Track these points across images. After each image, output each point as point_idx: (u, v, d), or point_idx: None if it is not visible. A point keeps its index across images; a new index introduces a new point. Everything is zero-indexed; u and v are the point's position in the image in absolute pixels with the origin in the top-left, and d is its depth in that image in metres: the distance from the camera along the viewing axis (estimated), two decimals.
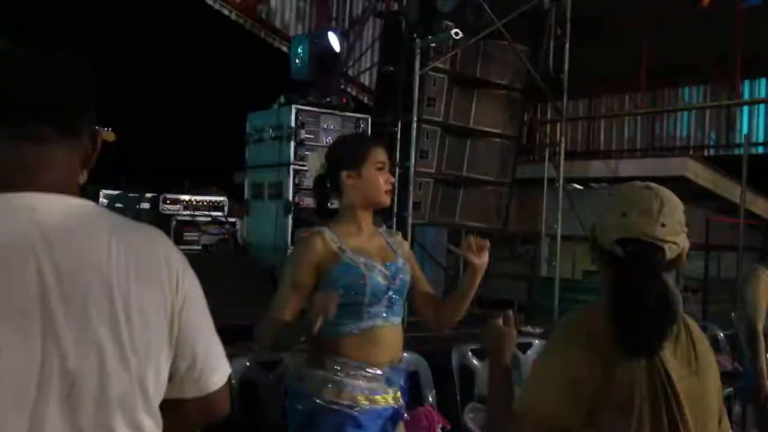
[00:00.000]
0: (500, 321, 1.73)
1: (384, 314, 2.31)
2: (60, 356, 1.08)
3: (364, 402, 2.23)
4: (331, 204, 2.48)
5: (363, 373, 2.26)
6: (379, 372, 2.28)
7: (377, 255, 2.36)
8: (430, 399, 3.64)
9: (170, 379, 1.22)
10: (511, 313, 1.73)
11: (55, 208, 1.13)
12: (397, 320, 2.37)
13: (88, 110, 1.21)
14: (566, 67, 7.24)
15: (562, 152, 7.41)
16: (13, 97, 1.14)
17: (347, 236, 2.33)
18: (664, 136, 11.02)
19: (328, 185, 2.44)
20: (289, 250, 4.85)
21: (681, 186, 8.73)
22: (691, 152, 10.39)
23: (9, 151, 1.14)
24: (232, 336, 3.88)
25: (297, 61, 5.34)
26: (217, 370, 1.28)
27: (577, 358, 1.44)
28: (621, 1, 7.91)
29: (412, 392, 3.65)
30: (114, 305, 1.12)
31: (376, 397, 2.27)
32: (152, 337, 1.17)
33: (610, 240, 1.52)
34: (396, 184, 6.33)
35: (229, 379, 1.32)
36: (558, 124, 7.74)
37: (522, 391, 1.52)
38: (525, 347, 3.91)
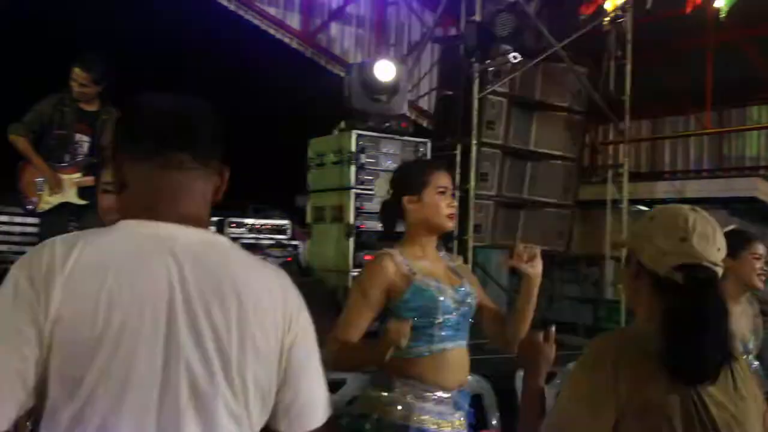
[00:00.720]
0: (540, 337, 1.75)
1: (453, 337, 2.32)
2: (184, 367, 1.20)
3: (432, 426, 2.24)
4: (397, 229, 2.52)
5: (432, 396, 2.26)
6: (447, 395, 2.28)
7: (445, 278, 2.37)
8: (494, 422, 3.61)
9: (273, 411, 1.32)
10: (553, 329, 1.76)
11: (193, 239, 1.28)
12: (464, 343, 2.38)
13: (217, 144, 1.37)
14: (628, 87, 7.14)
15: (626, 174, 7.29)
16: (163, 130, 1.30)
17: (414, 259, 2.35)
18: (732, 156, 10.71)
19: (393, 210, 2.47)
20: (351, 273, 4.90)
21: (751, 207, 8.46)
22: (761, 172, 10.08)
23: (155, 178, 1.29)
24: None
25: (351, 89, 5.42)
26: (314, 411, 1.37)
27: (605, 382, 1.41)
28: (683, 19, 7.78)
29: (476, 415, 3.63)
30: (230, 332, 1.24)
31: (443, 421, 2.26)
32: (261, 368, 1.28)
33: (668, 265, 1.48)
34: (456, 207, 6.37)
35: (329, 423, 1.39)
36: (621, 146, 7.62)
37: (550, 414, 1.50)
38: None
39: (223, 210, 6.26)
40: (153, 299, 1.20)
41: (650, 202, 9.56)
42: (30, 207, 4.80)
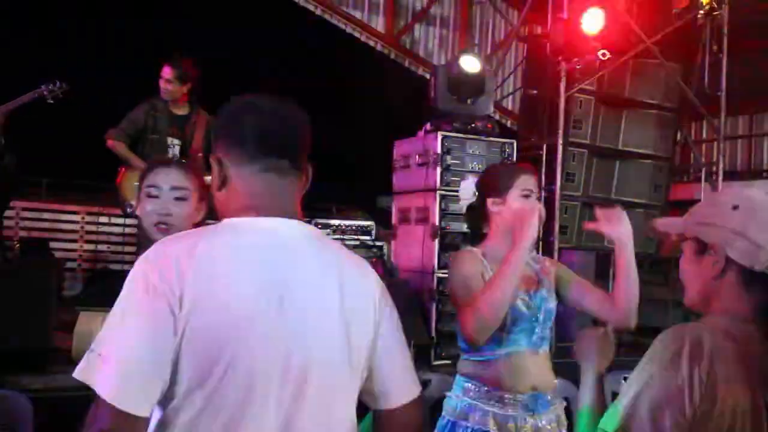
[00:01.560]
0: (596, 332, 1.75)
1: (524, 342, 2.32)
2: (299, 350, 1.32)
3: (493, 427, 2.24)
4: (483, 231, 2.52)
5: (497, 398, 2.27)
6: (516, 398, 2.27)
7: (522, 282, 2.35)
8: None
9: (367, 390, 1.47)
10: (610, 327, 1.75)
11: (295, 230, 1.41)
12: (541, 349, 2.37)
13: (308, 150, 1.48)
14: (723, 83, 6.88)
15: (720, 172, 7.03)
16: (265, 136, 1.41)
17: (493, 262, 2.35)
18: None
19: (478, 212, 2.48)
20: (436, 274, 4.92)
21: None
22: None
23: (261, 180, 1.41)
24: None
25: (436, 90, 5.43)
26: (401, 389, 1.50)
27: (679, 378, 1.34)
28: None
29: (567, 419, 3.58)
30: (338, 317, 1.39)
31: (509, 424, 2.25)
32: (363, 351, 1.43)
33: (765, 260, 1.42)
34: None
35: (419, 399, 1.51)
36: (715, 143, 7.34)
37: (627, 410, 1.39)
38: None
39: (307, 210, 6.39)
40: (269, 290, 1.30)
41: None
42: (129, 209, 5.04)
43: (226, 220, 1.40)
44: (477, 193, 2.49)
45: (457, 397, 2.30)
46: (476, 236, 2.52)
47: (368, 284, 1.47)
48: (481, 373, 2.30)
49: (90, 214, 7.07)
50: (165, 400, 1.25)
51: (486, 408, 2.26)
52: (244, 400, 1.26)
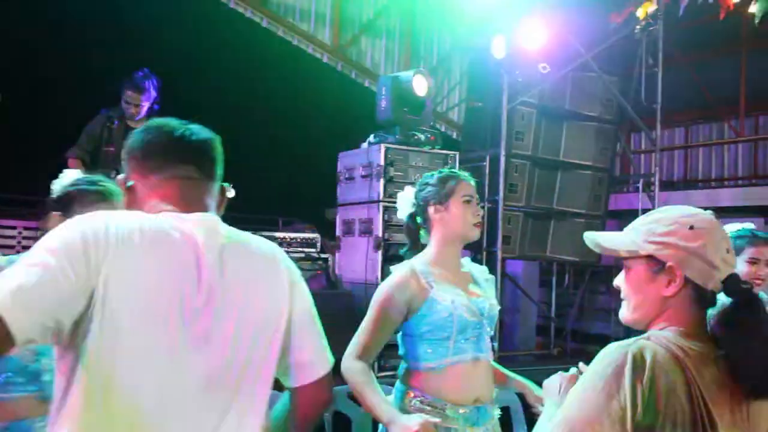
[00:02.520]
0: (566, 377, 1.66)
1: (470, 350, 2.33)
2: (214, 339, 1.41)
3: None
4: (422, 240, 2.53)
5: (438, 410, 2.28)
6: (459, 410, 2.29)
7: (465, 289, 2.38)
8: None
9: (281, 368, 1.59)
10: (583, 366, 1.61)
11: (204, 225, 1.48)
12: (484, 356, 2.37)
13: (217, 164, 1.59)
14: (659, 96, 7.09)
15: (657, 182, 7.23)
16: (170, 147, 1.52)
17: (436, 270, 2.36)
18: None
19: (419, 221, 2.49)
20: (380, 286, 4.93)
21: None
22: None
23: (169, 185, 1.51)
24: None
25: (382, 102, 5.47)
26: (312, 367, 1.62)
27: (621, 392, 1.35)
28: (716, 26, 7.70)
29: (504, 428, 3.63)
30: (248, 302, 1.50)
31: None
32: (277, 331, 1.56)
33: (719, 280, 1.45)
34: (485, 219, 6.40)
35: (329, 376, 1.63)
36: (652, 154, 7.56)
37: (563, 421, 1.39)
38: None
39: (254, 223, 6.34)
40: (178, 275, 1.38)
41: None
42: None
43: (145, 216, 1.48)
44: (417, 203, 2.49)
45: (398, 408, 2.29)
46: (414, 244, 2.53)
47: (279, 268, 1.56)
48: (424, 383, 2.30)
49: (27, 229, 6.88)
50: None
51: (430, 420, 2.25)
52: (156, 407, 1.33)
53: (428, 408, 2.27)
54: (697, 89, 9.77)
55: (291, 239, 5.71)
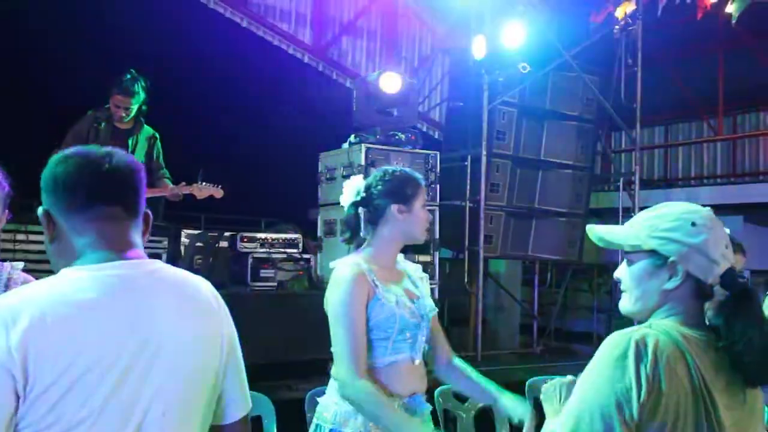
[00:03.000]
0: (564, 382, 1.70)
1: (406, 350, 2.33)
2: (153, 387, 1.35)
3: (374, 430, 2.24)
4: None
5: None
6: (397, 402, 2.28)
7: (405, 290, 2.37)
8: None
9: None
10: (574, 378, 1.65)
11: (136, 269, 1.41)
12: (418, 356, 2.37)
13: (141, 197, 1.49)
14: (639, 95, 7.15)
15: (637, 181, 7.29)
16: (94, 185, 1.42)
17: (379, 269, 2.33)
18: (747, 162, 10.65)
19: (361, 212, 2.43)
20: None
21: (767, 213, 8.40)
22: None
23: (94, 227, 1.41)
24: (306, 369, 3.97)
25: (357, 103, 5.46)
26: (237, 406, 1.57)
27: (626, 378, 1.40)
28: (694, 26, 7.77)
29: (486, 427, 3.63)
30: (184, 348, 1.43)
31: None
32: (215, 376, 1.52)
33: (718, 275, 1.50)
34: (467, 218, 6.41)
35: (247, 415, 1.59)
36: (633, 153, 7.62)
37: (571, 415, 1.44)
38: None
39: (236, 224, 6.31)
40: (116, 333, 1.31)
41: None
42: None
43: (63, 271, 1.38)
44: (368, 195, 2.46)
45: (336, 404, 2.28)
46: (353, 236, 2.46)
47: (213, 307, 1.51)
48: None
49: (6, 231, 6.79)
50: None
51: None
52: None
53: None
54: (677, 89, 9.85)
55: (273, 240, 5.68)
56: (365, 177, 4.79)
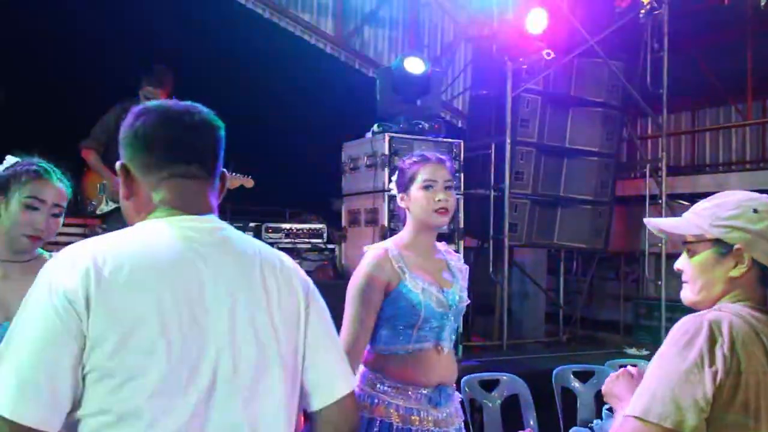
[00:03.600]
0: (625, 373, 1.68)
1: (432, 339, 2.32)
2: (218, 354, 1.29)
3: (396, 419, 2.25)
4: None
5: (401, 391, 2.28)
6: (422, 391, 2.29)
7: (436, 279, 2.36)
8: (531, 423, 3.59)
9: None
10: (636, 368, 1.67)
11: (207, 231, 1.38)
12: (447, 345, 2.36)
13: (218, 155, 1.46)
14: (665, 80, 7.05)
15: (664, 168, 7.19)
16: (171, 142, 1.39)
17: (408, 254, 2.34)
18: None
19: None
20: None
21: None
22: None
23: (169, 186, 1.38)
24: None
25: (381, 92, 5.45)
26: (331, 387, 1.48)
27: (702, 361, 1.40)
28: (721, 9, 7.64)
29: (513, 416, 3.63)
30: (265, 309, 1.39)
31: (412, 417, 2.27)
32: (290, 342, 1.44)
33: None
34: (492, 207, 6.38)
35: (350, 396, 1.48)
36: (659, 140, 7.51)
37: (643, 397, 1.43)
38: None
39: (260, 215, 6.35)
40: (183, 295, 1.27)
41: (690, 197, 9.42)
42: (90, 209, 5.05)
43: (141, 224, 1.36)
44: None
45: (360, 389, 2.28)
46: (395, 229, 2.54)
47: (292, 280, 1.43)
48: (386, 366, 2.29)
49: None
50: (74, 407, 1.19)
51: (389, 400, 2.27)
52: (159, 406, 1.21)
53: (390, 390, 2.28)
54: (704, 73, 9.69)
55: (298, 230, 5.72)
56: (389, 166, 4.82)
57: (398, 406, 2.26)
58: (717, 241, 1.55)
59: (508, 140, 6.27)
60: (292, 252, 5.46)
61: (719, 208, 1.56)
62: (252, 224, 5.67)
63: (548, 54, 6.35)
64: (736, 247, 1.52)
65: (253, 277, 1.37)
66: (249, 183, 5.06)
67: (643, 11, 6.99)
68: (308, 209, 6.81)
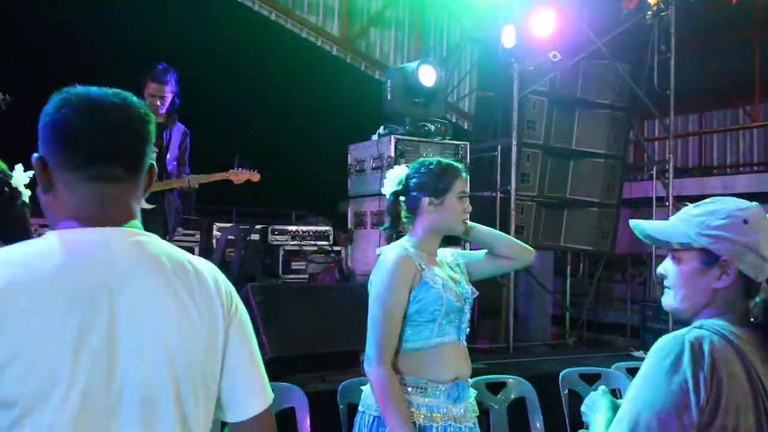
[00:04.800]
0: (599, 394, 1.64)
1: (452, 333, 2.37)
2: (130, 371, 1.20)
3: (419, 418, 2.28)
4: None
5: (422, 389, 2.31)
6: (440, 387, 2.32)
7: (448, 275, 2.42)
8: (538, 425, 3.58)
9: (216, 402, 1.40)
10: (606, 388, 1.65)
11: (123, 242, 1.26)
12: (462, 339, 2.42)
13: (145, 153, 1.31)
14: (672, 82, 7.02)
15: (671, 169, 7.16)
16: (95, 141, 1.25)
17: (423, 256, 2.38)
18: None
19: (402, 201, 2.48)
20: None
21: None
22: None
23: (89, 189, 1.25)
24: (338, 361, 3.99)
25: (388, 94, 5.45)
26: (248, 402, 1.41)
27: (683, 382, 1.36)
28: (728, 10, 7.61)
29: (519, 419, 3.61)
30: (175, 329, 1.28)
31: (434, 414, 2.30)
32: (206, 362, 1.35)
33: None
34: (498, 209, 6.37)
35: (267, 412, 1.41)
36: (666, 141, 7.49)
37: (627, 422, 1.40)
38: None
39: (267, 217, 6.35)
40: (92, 310, 1.17)
41: (699, 198, 9.37)
42: None
43: (49, 234, 1.24)
44: (407, 186, 2.49)
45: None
46: (395, 224, 2.51)
47: (210, 290, 1.32)
48: (408, 364, 2.32)
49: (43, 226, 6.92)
50: None
51: (409, 399, 2.29)
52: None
53: (410, 388, 2.31)
54: (711, 75, 9.67)
55: (304, 232, 5.72)
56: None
57: (420, 404, 2.29)
58: (704, 251, 1.50)
59: (515, 142, 6.25)
60: (299, 254, 5.46)
61: (709, 217, 1.50)
62: (258, 226, 5.67)
63: (555, 56, 6.33)
64: (723, 258, 1.47)
65: (166, 294, 1.26)
66: (255, 177, 5.01)
67: (649, 13, 6.97)
68: (314, 211, 6.81)
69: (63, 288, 1.16)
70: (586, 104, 6.97)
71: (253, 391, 1.39)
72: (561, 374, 3.93)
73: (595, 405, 1.65)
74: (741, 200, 1.53)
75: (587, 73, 6.94)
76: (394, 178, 2.49)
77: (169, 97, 4.97)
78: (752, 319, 1.48)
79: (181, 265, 1.30)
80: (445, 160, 2.53)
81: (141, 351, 1.20)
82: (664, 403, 1.36)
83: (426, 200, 2.41)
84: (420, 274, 2.32)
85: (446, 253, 2.56)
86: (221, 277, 1.37)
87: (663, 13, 6.97)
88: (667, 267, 1.57)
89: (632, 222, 1.63)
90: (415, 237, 2.43)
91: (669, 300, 1.57)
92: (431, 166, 2.46)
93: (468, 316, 2.43)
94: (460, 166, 2.50)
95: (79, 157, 1.24)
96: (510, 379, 3.75)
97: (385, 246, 2.45)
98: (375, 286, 2.34)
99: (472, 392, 2.46)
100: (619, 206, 7.19)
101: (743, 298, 1.49)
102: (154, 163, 1.36)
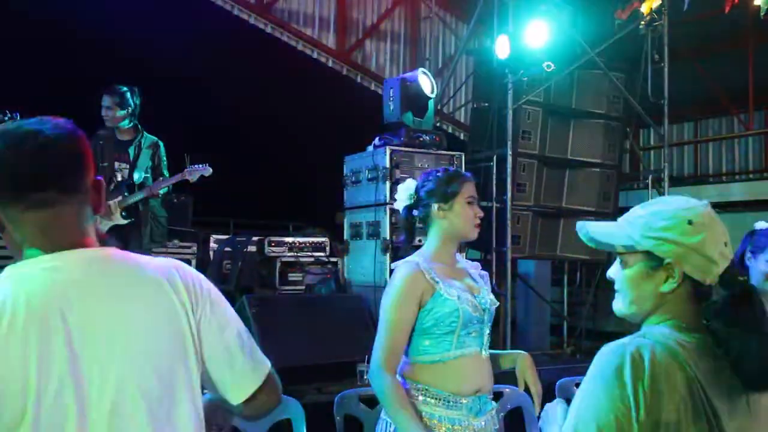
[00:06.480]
0: (554, 407, 1.63)
1: (473, 344, 2.36)
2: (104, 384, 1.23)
3: (438, 426, 2.28)
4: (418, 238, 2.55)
5: (443, 402, 2.30)
6: (462, 401, 2.31)
7: (466, 286, 2.42)
8: None
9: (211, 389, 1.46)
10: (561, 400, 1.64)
11: (79, 261, 1.28)
12: (485, 350, 2.41)
13: (88, 167, 1.33)
14: (666, 91, 7.05)
15: (666, 178, 7.19)
16: (28, 172, 1.26)
17: (438, 267, 2.39)
18: None
19: (416, 214, 2.51)
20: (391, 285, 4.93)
21: None
22: None
23: (30, 219, 1.27)
24: (335, 372, 3.99)
25: (390, 103, 5.48)
26: (240, 387, 1.46)
27: (624, 395, 1.33)
28: (722, 20, 7.65)
29: (516, 429, 3.61)
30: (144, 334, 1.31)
31: (455, 426, 2.30)
32: (182, 360, 1.39)
33: (717, 274, 1.42)
34: (494, 219, 6.37)
35: (266, 382, 1.47)
36: (662, 150, 7.52)
37: (571, 427, 1.38)
38: None
39: (264, 229, 6.36)
40: (56, 334, 1.19)
41: None
42: None
43: (6, 270, 1.27)
44: (418, 197, 2.50)
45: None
46: (410, 239, 2.55)
47: (165, 290, 1.33)
48: (427, 376, 2.33)
49: None
50: None
51: (431, 411, 2.29)
52: None
53: (432, 400, 2.30)
54: (705, 84, 9.71)
55: (301, 243, 5.72)
56: (390, 179, 4.84)
57: (442, 417, 2.29)
58: (648, 254, 1.45)
59: (510, 152, 6.27)
60: (295, 265, 5.47)
61: (653, 218, 1.45)
62: (255, 238, 5.68)
63: (549, 66, 6.36)
64: (666, 261, 1.42)
65: (120, 305, 1.28)
66: (207, 171, 5.00)
67: (643, 23, 7.00)
68: (311, 223, 6.83)
69: (15, 322, 1.17)
70: (580, 114, 6.99)
71: (243, 373, 1.42)
72: (557, 383, 3.92)
73: (551, 417, 1.63)
74: (689, 199, 1.48)
75: (581, 83, 6.97)
76: (404, 193, 2.53)
77: (115, 108, 5.01)
78: (704, 321, 1.44)
79: (135, 273, 1.32)
80: (452, 168, 2.57)
81: (103, 365, 1.22)
82: (606, 417, 1.33)
83: (436, 206, 2.44)
84: (433, 287, 2.32)
85: (469, 264, 2.57)
86: (182, 273, 1.37)
87: (656, 23, 7.01)
88: (615, 271, 1.53)
89: (578, 224, 1.58)
90: (430, 248, 2.45)
91: (618, 305, 1.53)
92: (438, 174, 2.50)
93: (489, 326, 2.42)
94: (464, 171, 2.57)
95: (7, 192, 1.26)
96: (507, 389, 3.74)
97: (400, 261, 2.44)
98: (384, 302, 2.37)
99: (494, 405, 2.46)
100: (615, 215, 7.18)
101: (693, 302, 1.44)
102: (101, 179, 1.37)
